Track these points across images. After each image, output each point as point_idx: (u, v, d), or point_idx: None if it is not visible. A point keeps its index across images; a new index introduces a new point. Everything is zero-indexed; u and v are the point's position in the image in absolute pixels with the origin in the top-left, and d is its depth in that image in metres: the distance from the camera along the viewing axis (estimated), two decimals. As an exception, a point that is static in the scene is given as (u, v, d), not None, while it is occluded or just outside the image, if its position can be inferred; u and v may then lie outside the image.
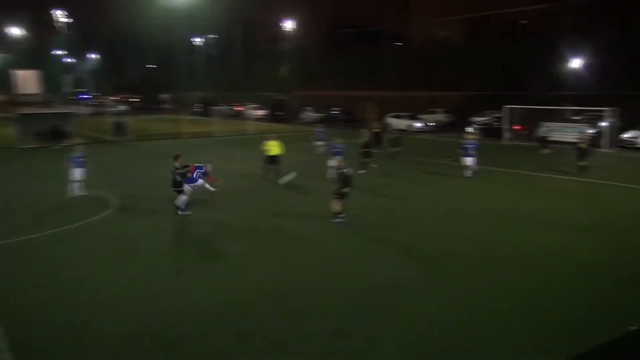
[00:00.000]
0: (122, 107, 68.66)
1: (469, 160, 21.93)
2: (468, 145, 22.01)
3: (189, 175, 16.35)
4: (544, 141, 32.04)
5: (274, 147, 21.91)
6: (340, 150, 20.80)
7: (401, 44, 75.71)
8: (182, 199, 15.95)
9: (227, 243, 13.42)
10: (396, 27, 75.06)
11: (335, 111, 53.86)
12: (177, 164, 16.00)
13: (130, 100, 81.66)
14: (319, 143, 28.38)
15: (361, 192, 18.31)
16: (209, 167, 16.98)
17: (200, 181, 16.69)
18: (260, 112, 59.71)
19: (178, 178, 15.91)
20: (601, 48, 45.54)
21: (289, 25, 67.50)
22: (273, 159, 21.81)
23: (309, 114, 55.13)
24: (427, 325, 8.74)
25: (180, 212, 15.88)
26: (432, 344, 8.16)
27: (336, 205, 14.93)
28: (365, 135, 24.74)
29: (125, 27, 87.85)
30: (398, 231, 14.35)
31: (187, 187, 16.20)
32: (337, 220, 14.88)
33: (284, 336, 8.33)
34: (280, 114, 57.81)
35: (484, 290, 10.20)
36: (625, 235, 14.08)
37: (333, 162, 20.10)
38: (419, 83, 59.10)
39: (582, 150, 23.18)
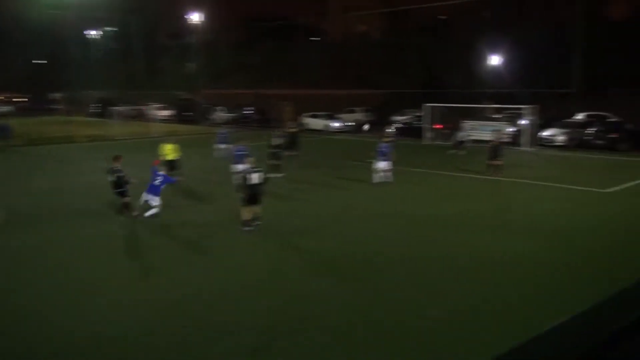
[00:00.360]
0: (5, 108, 65.10)
1: (381, 165, 21.94)
2: (382, 149, 21.96)
3: (159, 177, 16.23)
4: (460, 143, 32.93)
5: (170, 152, 21.69)
6: (243, 153, 20.53)
7: (318, 38, 76.53)
8: (153, 211, 16.17)
9: (130, 257, 13.03)
10: (312, 21, 75.87)
11: (248, 111, 53.65)
12: (118, 165, 16.09)
13: (15, 100, 77.59)
14: (222, 146, 27.93)
15: (273, 197, 18.34)
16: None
17: (157, 200, 16.23)
18: (166, 113, 58.49)
19: (120, 181, 15.98)
20: (520, 45, 48.07)
21: (196, 17, 66.44)
22: (171, 164, 21.56)
23: (220, 114, 54.52)
24: (353, 337, 8.79)
25: (141, 214, 16.15)
26: (360, 358, 8.23)
27: (245, 213, 14.87)
28: (277, 136, 24.84)
29: (8, 16, 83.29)
30: (315, 238, 14.43)
31: (147, 196, 16.22)
32: (247, 228, 14.83)
33: (200, 356, 8.18)
34: (188, 114, 56.81)
35: (411, 296, 10.44)
36: (551, 234, 14.84)
37: (237, 166, 20.15)
38: (337, 80, 59.96)
39: (495, 149, 24.26)
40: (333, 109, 49.55)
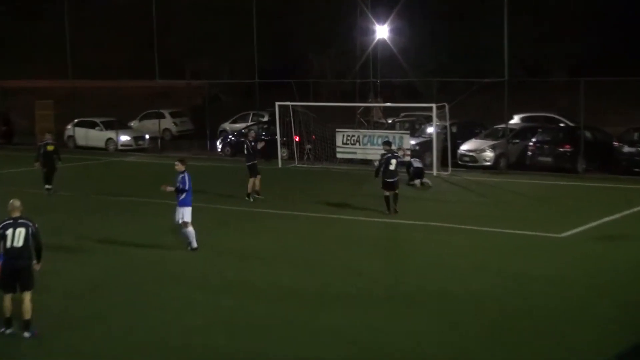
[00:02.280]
0: None
1: (184, 212, 20.23)
2: (185, 193, 20.16)
3: None
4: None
5: None
6: None
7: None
8: None
9: None
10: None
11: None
12: None
13: None
14: None
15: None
16: None
17: None
18: None
19: None
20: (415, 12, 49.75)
21: None
22: None
23: None
24: None
25: None
26: None
27: (6, 304, 14.40)
28: None
29: None
30: (89, 336, 14.22)
31: None
32: (6, 330, 14.35)
33: None
34: None
35: None
36: (471, 310, 15.06)
37: None
38: (129, 64, 59.14)
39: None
40: (126, 113, 48.60)
